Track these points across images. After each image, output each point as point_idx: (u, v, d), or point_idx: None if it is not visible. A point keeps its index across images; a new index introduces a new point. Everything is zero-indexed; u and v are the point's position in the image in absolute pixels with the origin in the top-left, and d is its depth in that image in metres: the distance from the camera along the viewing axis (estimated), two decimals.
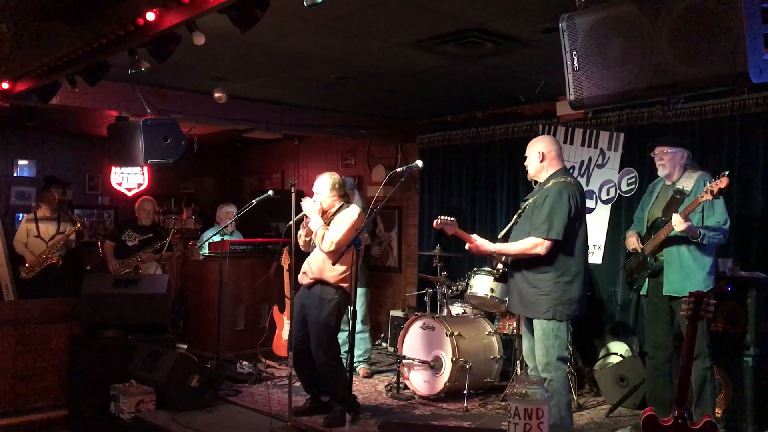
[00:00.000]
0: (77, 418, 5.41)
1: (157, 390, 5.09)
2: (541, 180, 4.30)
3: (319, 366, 4.80)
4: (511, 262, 4.32)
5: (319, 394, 5.02)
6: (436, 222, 4.35)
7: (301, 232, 4.98)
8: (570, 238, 4.09)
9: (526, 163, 4.38)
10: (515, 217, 4.41)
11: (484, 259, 5.75)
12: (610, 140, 6.19)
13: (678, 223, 4.19)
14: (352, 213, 4.81)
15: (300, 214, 4.88)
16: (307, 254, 5.07)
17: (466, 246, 4.36)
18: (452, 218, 4.37)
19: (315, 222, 4.80)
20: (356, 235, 4.32)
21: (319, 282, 4.82)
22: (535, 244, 4.05)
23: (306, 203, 4.85)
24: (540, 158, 4.25)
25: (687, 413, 3.34)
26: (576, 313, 4.14)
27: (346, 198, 5.01)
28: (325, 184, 4.91)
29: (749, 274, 4.89)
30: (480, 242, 4.32)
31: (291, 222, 4.85)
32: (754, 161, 5.30)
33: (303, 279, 4.94)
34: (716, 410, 4.57)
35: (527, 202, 4.31)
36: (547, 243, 4.02)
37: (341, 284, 4.77)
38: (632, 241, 4.68)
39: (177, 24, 3.69)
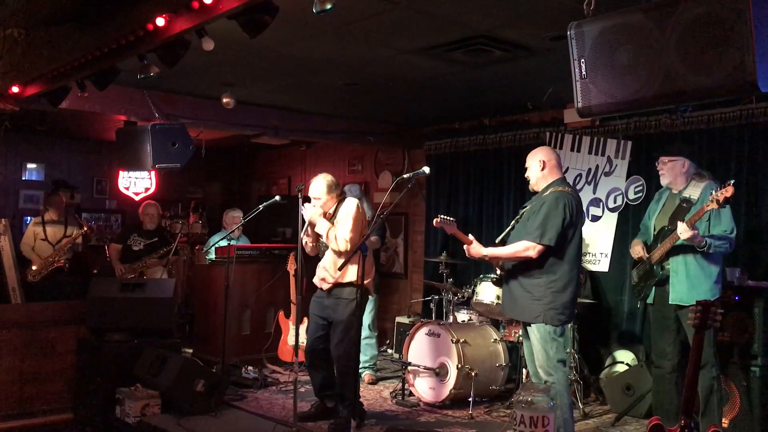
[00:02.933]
0: (83, 421, 5.42)
1: (162, 394, 5.10)
2: (540, 189, 4.37)
3: (337, 364, 4.80)
4: (506, 267, 4.39)
5: (326, 399, 5.01)
6: (436, 221, 4.44)
7: (306, 239, 4.99)
8: (563, 245, 4.14)
9: (527, 175, 4.46)
10: (513, 222, 4.49)
11: (491, 266, 5.74)
12: (618, 148, 6.18)
13: (684, 231, 4.19)
14: (350, 207, 4.84)
15: (306, 225, 4.90)
16: (315, 257, 5.08)
17: (464, 247, 4.46)
18: (452, 218, 4.45)
19: (322, 226, 4.81)
20: (363, 239, 4.34)
21: (338, 285, 4.83)
22: (527, 247, 4.13)
23: (308, 210, 4.86)
24: (541, 166, 4.35)
25: (693, 423, 3.33)
26: (568, 320, 4.20)
27: (342, 195, 5.03)
28: (321, 187, 4.91)
29: (757, 283, 4.87)
30: (476, 245, 4.40)
31: (301, 235, 4.89)
32: (763, 170, 5.28)
33: (322, 284, 4.93)
34: (723, 420, 4.55)
35: (525, 209, 4.40)
36: (539, 248, 4.09)
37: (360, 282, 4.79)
38: (638, 250, 4.68)
39: (186, 29, 3.70)
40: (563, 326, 4.19)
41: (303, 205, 4.88)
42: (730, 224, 4.32)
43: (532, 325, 4.19)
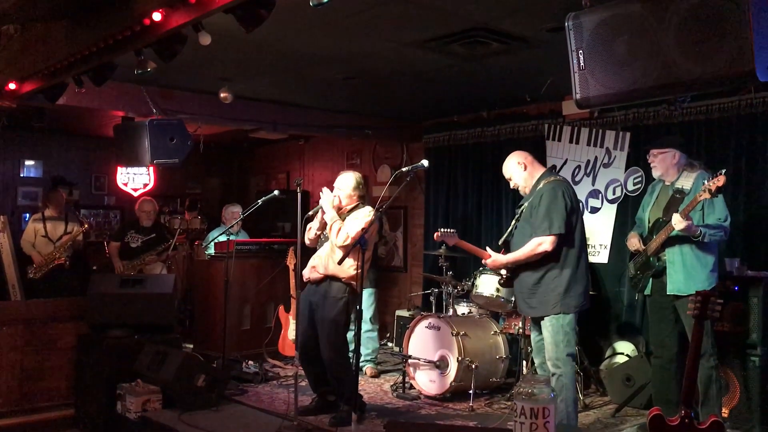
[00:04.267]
0: (84, 417, 5.43)
1: (163, 389, 5.10)
2: (531, 187, 4.40)
3: (327, 364, 4.80)
4: (513, 266, 4.39)
5: (326, 394, 5.02)
6: (437, 235, 4.44)
7: (315, 224, 4.96)
8: (569, 232, 4.19)
9: (513, 185, 4.49)
10: (513, 221, 4.49)
11: None
12: (616, 139, 6.18)
13: (678, 222, 4.21)
14: (368, 213, 4.83)
15: (317, 207, 4.88)
16: (313, 251, 5.07)
17: (483, 261, 4.48)
18: (452, 230, 4.46)
19: (330, 215, 4.79)
20: (362, 233, 4.34)
21: (328, 278, 4.82)
22: (539, 243, 4.15)
23: (325, 196, 4.84)
24: (522, 167, 4.41)
25: (693, 413, 3.33)
26: (582, 305, 4.23)
27: (363, 200, 5.02)
28: (349, 181, 4.91)
29: (756, 273, 4.88)
30: (495, 257, 4.41)
31: (310, 212, 4.90)
32: (762, 160, 5.28)
33: (312, 274, 4.90)
34: (723, 410, 4.56)
35: (523, 207, 4.41)
36: (551, 238, 4.13)
37: (350, 281, 4.78)
38: (634, 242, 4.70)
39: (183, 24, 3.69)
40: (575, 317, 4.22)
41: (322, 190, 4.88)
42: (723, 212, 4.34)
43: (544, 317, 4.20)
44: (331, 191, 4.91)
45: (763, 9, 2.38)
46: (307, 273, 4.95)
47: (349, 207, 4.91)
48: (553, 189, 4.19)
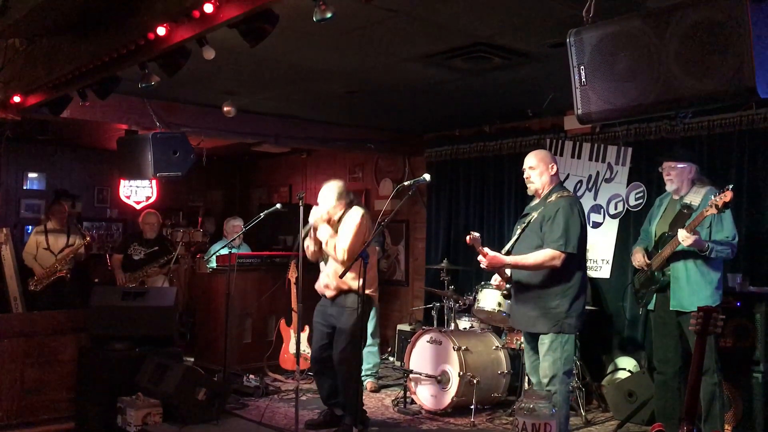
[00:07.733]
0: (84, 430, 5.41)
1: (164, 403, 5.09)
2: (542, 194, 4.29)
3: (339, 369, 4.80)
4: (516, 279, 4.31)
5: (334, 407, 5.00)
6: (469, 238, 4.22)
7: (309, 243, 4.99)
8: (581, 252, 4.13)
9: (532, 177, 4.32)
10: (519, 231, 4.35)
11: (492, 273, 5.73)
12: (618, 155, 6.19)
13: (684, 237, 4.19)
14: (355, 216, 4.85)
15: (308, 226, 4.90)
16: (316, 265, 5.08)
17: (479, 257, 4.20)
18: (477, 234, 4.25)
19: (324, 232, 4.82)
20: (364, 247, 4.34)
21: (342, 292, 4.84)
22: (553, 257, 4.03)
23: (313, 214, 4.87)
24: (552, 170, 4.29)
25: (696, 429, 3.32)
26: (582, 326, 4.18)
27: (350, 205, 5.02)
28: (331, 192, 4.93)
29: (759, 289, 4.87)
30: (492, 255, 4.18)
31: (301, 234, 4.88)
32: (764, 176, 5.28)
33: (326, 292, 4.94)
34: (726, 426, 4.54)
35: (530, 216, 4.28)
36: (563, 256, 4.03)
37: (365, 290, 4.78)
38: (638, 257, 4.67)
39: (187, 39, 3.72)
40: (574, 336, 4.16)
41: (312, 209, 4.89)
42: (732, 230, 4.31)
43: (541, 335, 4.14)
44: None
45: (763, 25, 2.39)
46: (321, 290, 5.01)
47: (338, 216, 4.93)
48: (570, 206, 4.11)
